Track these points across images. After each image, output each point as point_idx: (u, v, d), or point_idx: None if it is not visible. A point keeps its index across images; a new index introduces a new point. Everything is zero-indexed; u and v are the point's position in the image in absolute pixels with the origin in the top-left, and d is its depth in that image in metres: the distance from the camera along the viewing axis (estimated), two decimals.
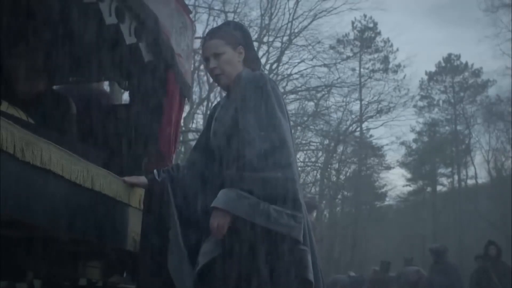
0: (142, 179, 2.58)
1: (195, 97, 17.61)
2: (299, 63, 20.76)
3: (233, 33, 2.44)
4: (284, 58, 20.30)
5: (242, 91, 2.28)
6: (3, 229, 2.12)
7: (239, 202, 2.03)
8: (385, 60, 27.21)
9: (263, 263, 2.05)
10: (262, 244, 2.06)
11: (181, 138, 13.15)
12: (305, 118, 21.35)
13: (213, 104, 2.40)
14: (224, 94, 2.69)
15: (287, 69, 20.62)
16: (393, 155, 46.06)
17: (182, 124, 8.93)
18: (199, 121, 18.68)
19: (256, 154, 2.09)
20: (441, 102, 30.08)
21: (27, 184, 1.94)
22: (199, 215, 2.39)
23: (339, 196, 27.71)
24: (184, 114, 7.82)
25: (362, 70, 26.74)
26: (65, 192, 2.16)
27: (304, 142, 22.18)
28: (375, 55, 27.38)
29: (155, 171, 2.53)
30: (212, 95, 17.75)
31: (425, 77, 30.26)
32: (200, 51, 15.80)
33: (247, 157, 2.09)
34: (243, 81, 2.31)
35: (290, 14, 20.03)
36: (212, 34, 2.46)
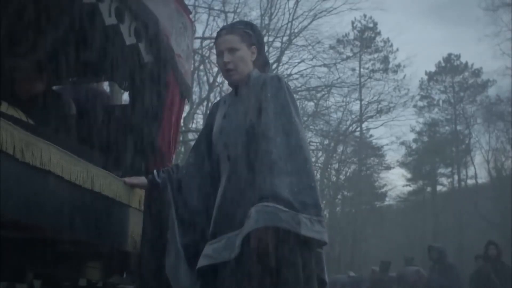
0: (142, 180, 2.58)
1: (195, 97, 17.60)
2: (299, 63, 20.80)
3: (249, 32, 2.44)
4: (284, 58, 20.31)
5: (260, 92, 2.27)
6: (3, 230, 2.12)
7: (280, 216, 1.98)
8: (385, 60, 27.23)
9: (298, 269, 2.05)
10: (297, 251, 2.05)
11: (181, 138, 13.14)
12: (305, 118, 21.34)
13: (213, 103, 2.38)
14: (223, 92, 2.67)
15: (287, 69, 20.63)
16: (393, 155, 46.16)
17: (182, 124, 8.92)
18: (199, 121, 18.69)
19: (278, 161, 2.07)
20: (441, 102, 30.12)
21: (27, 185, 1.94)
22: (199, 215, 2.39)
23: (339, 196, 27.72)
24: (184, 114, 7.83)
25: (362, 70, 26.80)
26: (65, 193, 2.15)
27: None
28: (375, 55, 27.43)
29: (154, 171, 2.53)
30: (212, 95, 17.77)
31: (425, 77, 30.31)
32: (200, 51, 15.82)
33: (269, 165, 2.06)
34: (260, 82, 2.30)
35: (290, 14, 20.04)
36: (229, 29, 2.45)
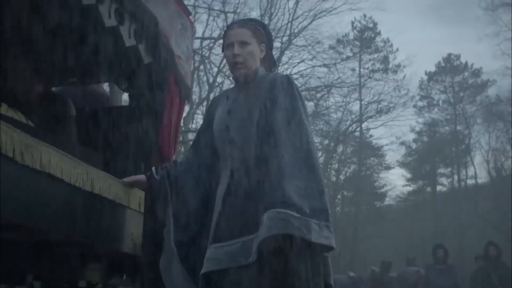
0: (141, 177, 2.58)
1: (195, 97, 17.61)
2: (298, 63, 20.75)
3: (260, 29, 2.45)
4: (284, 58, 20.26)
5: (270, 91, 2.26)
6: (3, 232, 2.12)
7: (292, 223, 1.98)
8: (385, 60, 27.21)
9: (308, 275, 2.05)
10: (307, 257, 2.06)
11: (181, 138, 13.13)
12: None
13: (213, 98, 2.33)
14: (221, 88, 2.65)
15: (286, 69, 20.55)
16: (393, 155, 46.07)
17: (182, 124, 8.92)
18: (199, 121, 18.64)
19: (289, 165, 2.06)
20: (441, 102, 30.10)
21: (27, 188, 1.94)
22: (195, 213, 2.38)
23: (339, 196, 27.71)
24: (184, 115, 7.81)
25: (362, 70, 26.75)
26: (64, 195, 2.15)
27: None
28: (375, 55, 27.39)
29: (153, 168, 2.52)
30: (212, 95, 17.75)
31: (425, 77, 30.30)
32: (200, 52, 15.79)
33: (280, 169, 2.06)
34: (269, 81, 2.29)
35: (290, 14, 20.00)
36: (241, 23, 2.45)
